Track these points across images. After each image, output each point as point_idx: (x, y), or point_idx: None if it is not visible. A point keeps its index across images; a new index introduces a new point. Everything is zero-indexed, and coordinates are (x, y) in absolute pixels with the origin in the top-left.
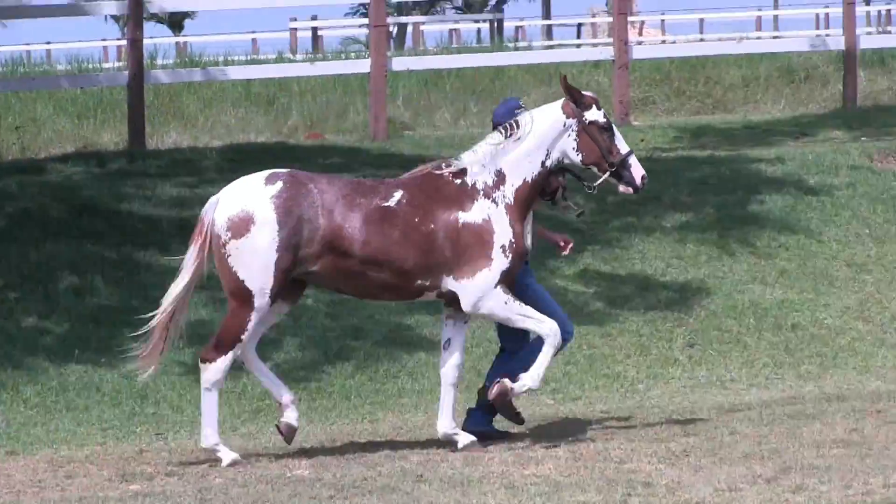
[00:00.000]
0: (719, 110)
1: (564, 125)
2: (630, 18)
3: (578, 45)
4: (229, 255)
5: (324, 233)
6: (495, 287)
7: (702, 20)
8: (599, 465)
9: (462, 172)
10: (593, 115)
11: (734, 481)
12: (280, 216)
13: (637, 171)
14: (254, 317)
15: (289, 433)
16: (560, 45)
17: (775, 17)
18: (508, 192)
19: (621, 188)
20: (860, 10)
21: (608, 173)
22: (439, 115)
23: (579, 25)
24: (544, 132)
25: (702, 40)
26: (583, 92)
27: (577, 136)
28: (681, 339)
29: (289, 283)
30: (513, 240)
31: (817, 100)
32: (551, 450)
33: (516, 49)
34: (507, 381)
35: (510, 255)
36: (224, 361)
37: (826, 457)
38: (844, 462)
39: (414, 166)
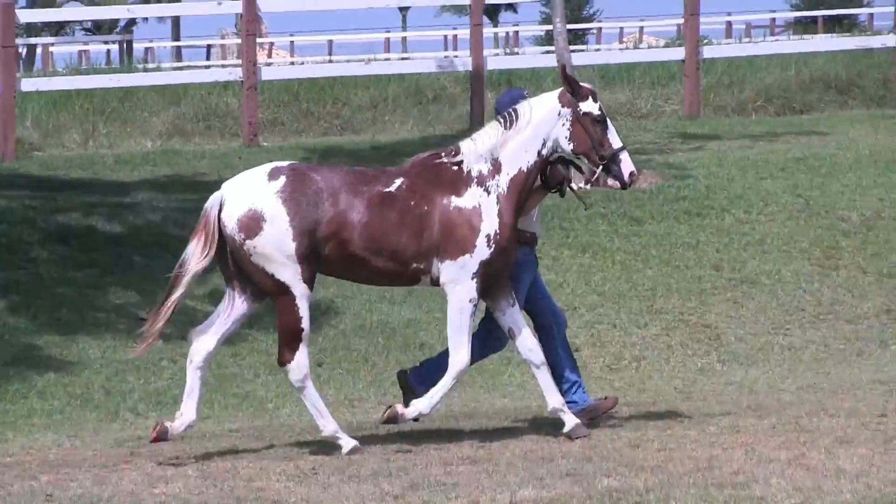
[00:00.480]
0: (348, 131)
1: (559, 114)
2: (259, 40)
3: (208, 67)
4: (251, 256)
5: (329, 219)
6: (471, 278)
7: (331, 42)
8: (229, 483)
9: (460, 160)
10: (588, 106)
11: (363, 499)
12: (290, 208)
13: (627, 166)
14: (302, 304)
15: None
16: (189, 67)
17: (404, 38)
18: (503, 181)
19: (609, 182)
20: (488, 31)
21: (599, 166)
22: (68, 135)
23: (209, 47)
24: (541, 121)
25: (330, 61)
26: (581, 83)
27: (570, 125)
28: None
29: (314, 267)
30: (498, 231)
31: (445, 120)
32: (181, 468)
33: (145, 70)
34: (398, 407)
35: (493, 247)
36: (301, 356)
37: (454, 474)
38: (471, 478)
39: (46, 185)
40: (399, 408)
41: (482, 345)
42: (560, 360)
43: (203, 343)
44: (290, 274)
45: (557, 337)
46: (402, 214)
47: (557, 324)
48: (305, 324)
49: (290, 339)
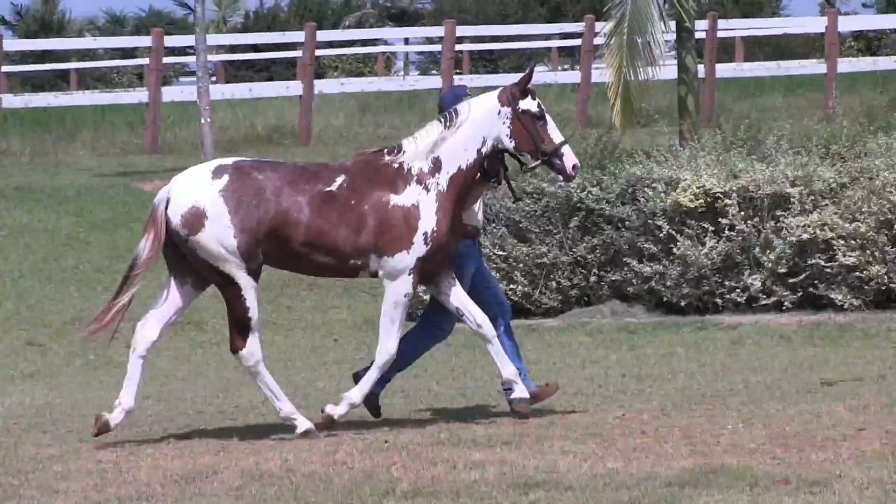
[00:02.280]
0: None
1: (499, 113)
2: None
3: None
4: (195, 250)
5: (270, 218)
6: (409, 274)
7: None
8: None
9: (401, 158)
10: (527, 104)
11: None
12: (231, 207)
13: (569, 159)
14: (248, 294)
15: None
16: None
17: None
18: (443, 179)
19: (551, 175)
20: None
21: (539, 161)
22: None
23: None
24: (480, 120)
25: None
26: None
27: (510, 123)
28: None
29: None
30: (435, 229)
31: None
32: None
33: None
34: (329, 407)
35: (430, 244)
36: (253, 343)
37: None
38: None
39: None
40: (330, 409)
41: (427, 335)
42: (505, 349)
43: (146, 332)
44: (233, 266)
45: (502, 326)
46: (342, 212)
47: (503, 313)
48: (253, 313)
49: (240, 328)
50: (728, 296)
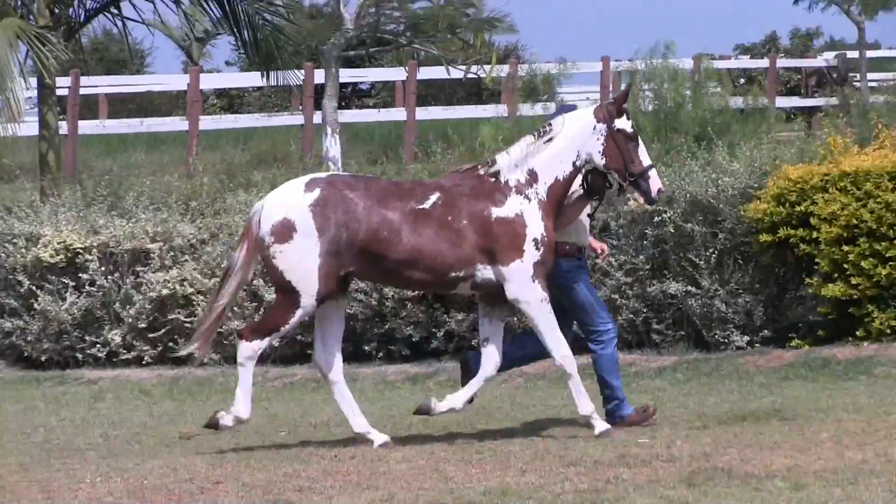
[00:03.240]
0: None
1: (594, 128)
2: None
3: None
4: (274, 258)
5: (361, 237)
6: (533, 281)
7: None
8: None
9: (497, 172)
10: (622, 123)
11: None
12: (319, 224)
13: (655, 183)
14: (298, 314)
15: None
16: None
17: None
18: (541, 189)
19: (637, 196)
20: None
21: (627, 181)
22: None
23: None
24: (575, 134)
25: None
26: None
27: (604, 140)
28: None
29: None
30: (545, 234)
31: None
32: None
33: None
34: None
35: (542, 249)
36: (258, 345)
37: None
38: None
39: None
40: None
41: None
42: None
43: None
44: (304, 286)
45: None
46: (437, 228)
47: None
48: (286, 329)
49: (264, 328)
50: (89, 350)
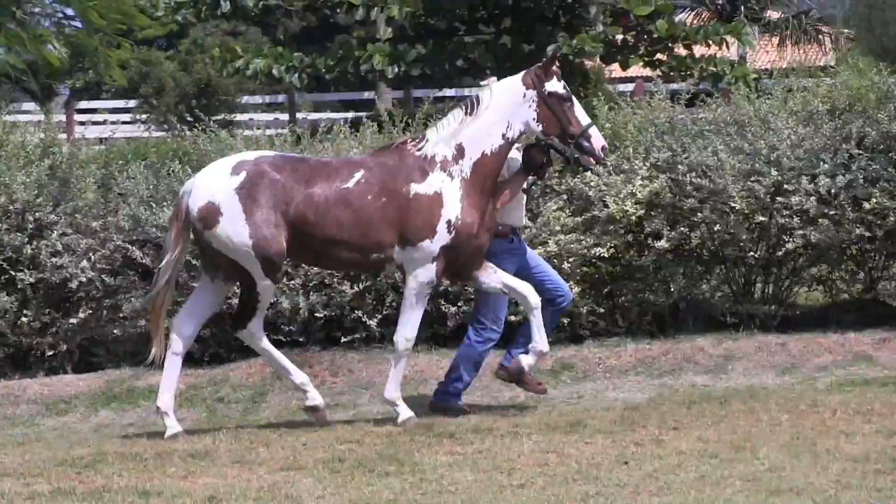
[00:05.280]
0: None
1: (524, 96)
2: None
3: None
4: (211, 243)
5: (287, 218)
6: (432, 262)
7: None
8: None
9: (425, 146)
10: (553, 85)
11: None
12: (246, 206)
13: (598, 141)
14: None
15: None
16: None
17: None
18: (466, 165)
19: (583, 159)
20: None
21: (569, 144)
22: None
23: None
24: (503, 104)
25: None
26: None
27: (536, 106)
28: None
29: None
30: (459, 216)
31: None
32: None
33: None
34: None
35: (454, 232)
36: (255, 323)
37: None
38: None
39: None
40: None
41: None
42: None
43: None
44: (250, 265)
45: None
46: (360, 207)
47: (562, 299)
48: (260, 305)
49: (245, 312)
50: None
